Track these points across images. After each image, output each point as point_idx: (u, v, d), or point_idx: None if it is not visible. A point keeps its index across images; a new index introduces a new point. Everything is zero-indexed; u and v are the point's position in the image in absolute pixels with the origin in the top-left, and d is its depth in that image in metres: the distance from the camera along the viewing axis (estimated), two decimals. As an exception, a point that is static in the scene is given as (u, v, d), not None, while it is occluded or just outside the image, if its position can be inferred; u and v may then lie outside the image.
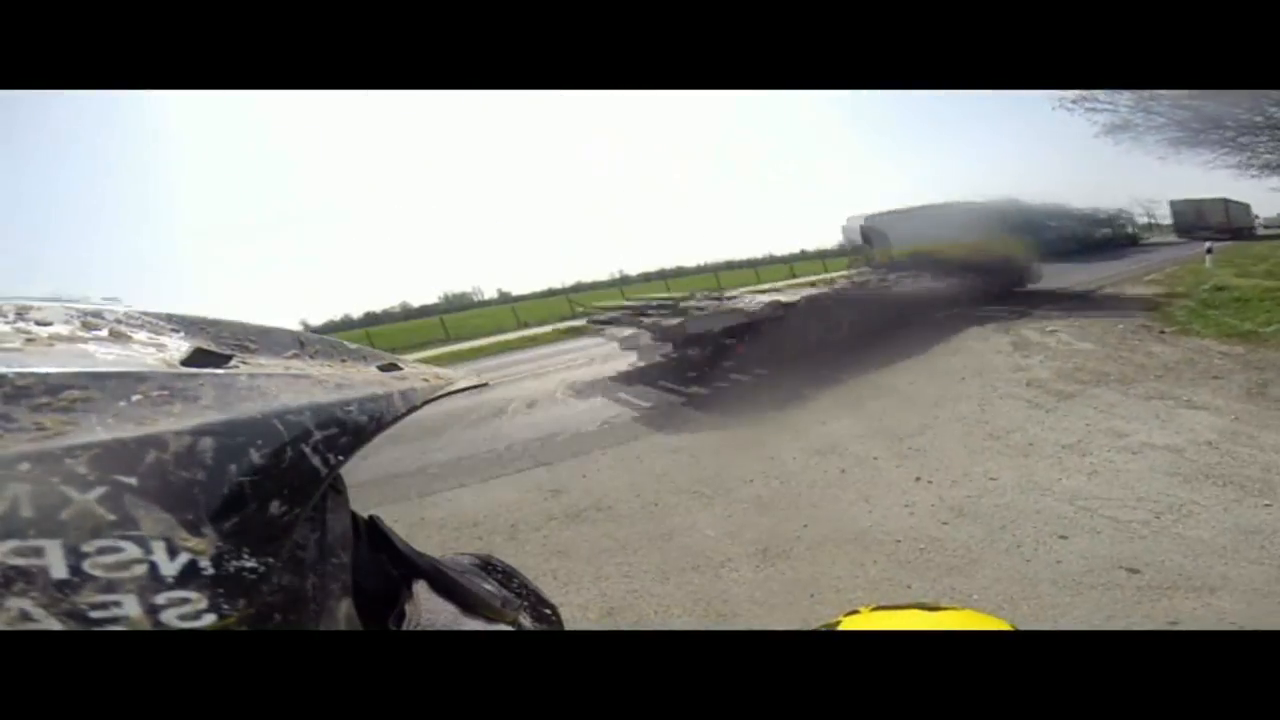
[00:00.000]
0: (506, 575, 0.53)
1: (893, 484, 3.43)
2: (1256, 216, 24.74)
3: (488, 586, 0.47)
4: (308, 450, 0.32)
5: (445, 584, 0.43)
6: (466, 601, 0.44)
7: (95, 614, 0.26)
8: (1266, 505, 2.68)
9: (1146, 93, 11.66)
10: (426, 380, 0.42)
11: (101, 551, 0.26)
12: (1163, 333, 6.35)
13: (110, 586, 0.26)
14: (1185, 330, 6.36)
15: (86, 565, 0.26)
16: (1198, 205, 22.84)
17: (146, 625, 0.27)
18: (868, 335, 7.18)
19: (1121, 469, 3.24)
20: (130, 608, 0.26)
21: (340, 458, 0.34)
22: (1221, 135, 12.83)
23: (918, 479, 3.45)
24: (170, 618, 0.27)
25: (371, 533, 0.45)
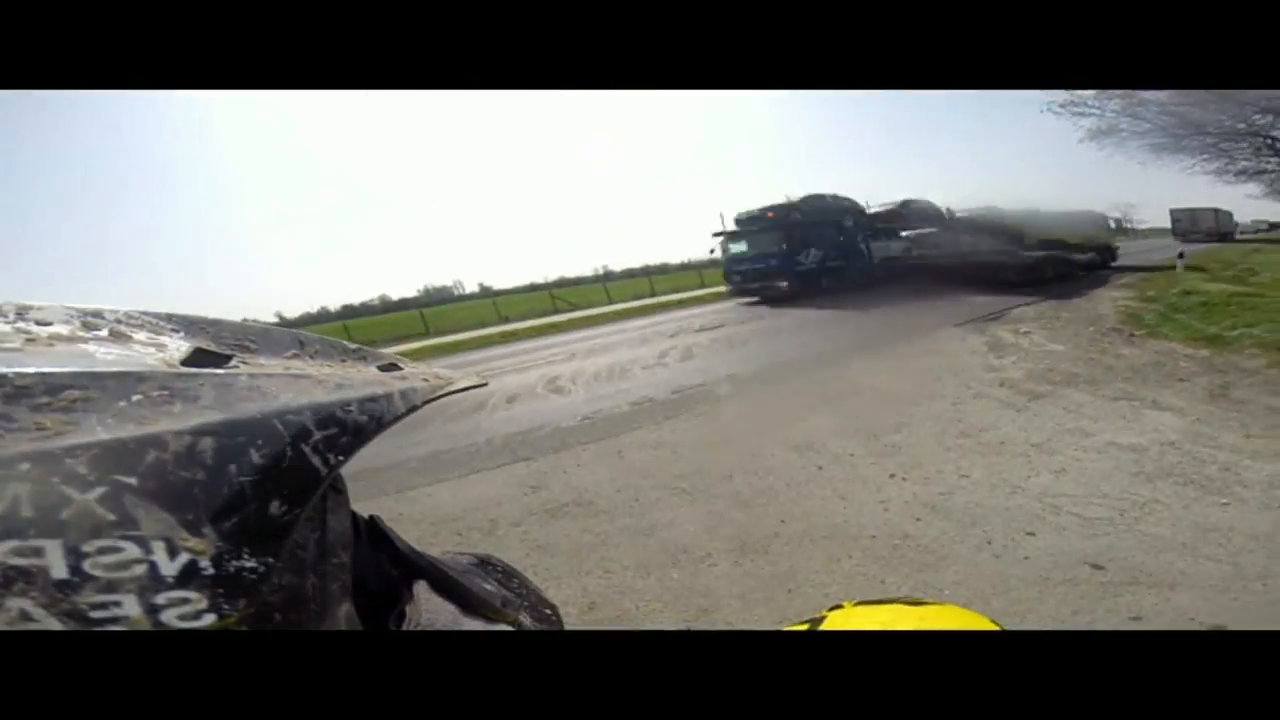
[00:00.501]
0: (506, 575, 0.53)
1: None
2: (1236, 224, 27.86)
3: (488, 586, 0.47)
4: (308, 450, 0.32)
5: (445, 584, 0.44)
6: (466, 601, 0.44)
7: (95, 614, 0.26)
8: (1224, 504, 2.79)
9: (1135, 98, 12.16)
10: (427, 380, 0.42)
11: (101, 551, 0.26)
12: (1132, 335, 6.56)
13: (110, 586, 0.26)
14: (1154, 333, 6.57)
15: (86, 565, 0.26)
16: (1192, 213, 26.75)
17: (146, 625, 0.27)
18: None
19: (1088, 467, 3.34)
20: (130, 608, 0.26)
21: (340, 458, 0.34)
22: (1203, 141, 13.44)
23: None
24: (170, 618, 0.27)
25: (372, 532, 0.45)
